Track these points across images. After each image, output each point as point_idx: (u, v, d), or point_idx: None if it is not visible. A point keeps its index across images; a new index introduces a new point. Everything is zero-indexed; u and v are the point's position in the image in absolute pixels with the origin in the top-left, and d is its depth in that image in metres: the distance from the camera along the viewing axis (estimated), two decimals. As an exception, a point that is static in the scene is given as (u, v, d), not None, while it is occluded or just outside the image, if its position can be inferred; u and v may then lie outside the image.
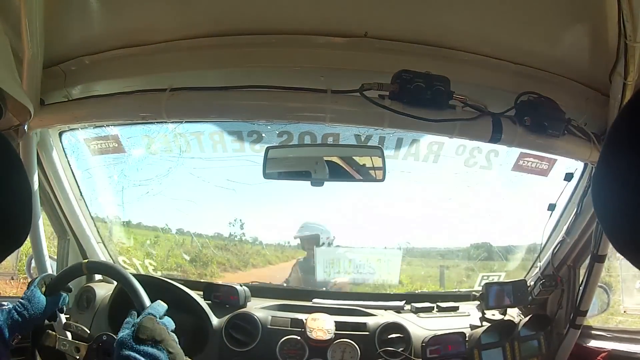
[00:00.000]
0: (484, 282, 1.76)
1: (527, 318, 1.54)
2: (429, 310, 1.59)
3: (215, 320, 1.44)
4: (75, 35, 1.20)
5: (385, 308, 1.59)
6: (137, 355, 0.82)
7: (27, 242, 1.10)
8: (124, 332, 0.88)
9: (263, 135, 1.67)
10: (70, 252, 1.60)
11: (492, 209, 2.05)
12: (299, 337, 1.39)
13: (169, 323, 0.93)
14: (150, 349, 0.84)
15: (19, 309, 0.97)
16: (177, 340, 0.91)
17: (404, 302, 1.64)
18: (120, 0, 1.09)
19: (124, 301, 1.10)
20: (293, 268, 2.31)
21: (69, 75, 1.27)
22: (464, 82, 1.13)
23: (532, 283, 1.59)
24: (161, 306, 0.96)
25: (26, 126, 1.05)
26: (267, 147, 1.29)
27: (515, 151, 1.57)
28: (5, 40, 0.75)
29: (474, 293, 1.75)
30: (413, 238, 2.51)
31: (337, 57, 1.16)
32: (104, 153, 1.63)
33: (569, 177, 1.44)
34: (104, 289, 1.55)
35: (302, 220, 2.36)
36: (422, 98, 1.07)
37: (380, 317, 1.49)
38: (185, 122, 1.54)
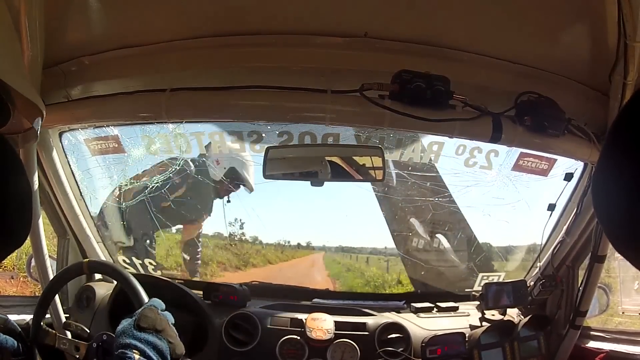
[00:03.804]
0: (483, 282, 1.76)
1: (527, 318, 1.54)
2: (428, 310, 1.59)
3: (215, 320, 1.44)
4: (75, 36, 1.20)
5: (385, 308, 1.59)
6: (138, 343, 0.82)
7: (27, 242, 1.10)
8: (125, 323, 0.88)
9: (263, 135, 1.67)
10: (70, 251, 1.60)
11: (492, 209, 2.05)
12: (298, 337, 1.39)
13: (169, 317, 0.94)
14: (151, 337, 0.85)
15: None
16: (176, 333, 0.91)
17: (403, 302, 1.64)
18: (120, 1, 1.09)
19: (124, 301, 1.10)
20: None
21: (69, 75, 1.27)
22: (464, 82, 1.13)
23: (532, 283, 1.59)
24: (160, 303, 0.96)
25: (39, 127, 0.98)
26: (267, 147, 1.29)
27: (515, 151, 1.57)
28: (13, 35, 0.74)
29: (473, 293, 1.75)
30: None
31: (337, 57, 1.16)
32: (104, 153, 1.63)
33: (569, 177, 1.43)
34: (103, 289, 1.55)
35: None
36: (422, 98, 1.07)
37: (380, 317, 1.49)
38: (186, 122, 1.54)
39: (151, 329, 0.86)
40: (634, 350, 1.44)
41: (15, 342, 0.93)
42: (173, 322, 0.93)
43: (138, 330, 0.85)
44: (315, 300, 1.62)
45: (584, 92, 1.26)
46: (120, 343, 0.83)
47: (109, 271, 1.15)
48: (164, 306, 0.95)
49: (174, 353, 0.88)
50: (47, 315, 1.29)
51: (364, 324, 1.44)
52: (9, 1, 0.98)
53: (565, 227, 1.51)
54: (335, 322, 1.41)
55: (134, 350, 0.81)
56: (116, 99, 1.19)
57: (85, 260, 1.16)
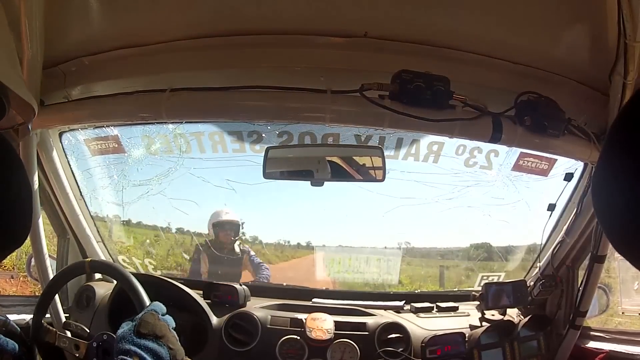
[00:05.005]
0: (483, 282, 1.76)
1: (527, 318, 1.54)
2: (428, 310, 1.59)
3: (214, 320, 1.44)
4: (75, 36, 1.20)
5: (385, 308, 1.59)
6: (138, 349, 0.82)
7: (27, 241, 1.10)
8: (125, 327, 0.88)
9: (263, 135, 1.68)
10: (70, 251, 1.60)
11: (492, 209, 2.06)
12: (298, 337, 1.39)
13: (170, 321, 0.94)
14: (150, 344, 0.84)
15: None
16: (177, 337, 0.91)
17: (403, 302, 1.63)
18: (120, 0, 1.09)
19: (124, 300, 1.10)
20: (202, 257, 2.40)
21: (69, 75, 1.27)
22: (464, 82, 1.13)
23: (532, 283, 1.59)
24: (161, 307, 0.96)
25: (30, 125, 1.03)
26: (267, 147, 1.29)
27: (515, 151, 1.57)
28: (9, 36, 0.75)
29: (473, 293, 1.75)
30: (413, 238, 2.51)
31: (337, 57, 1.16)
32: (104, 153, 1.64)
33: (569, 177, 1.43)
34: (103, 288, 1.55)
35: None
36: (422, 98, 1.06)
37: (379, 317, 1.49)
38: (185, 122, 1.54)
39: (151, 335, 0.86)
40: (634, 350, 1.44)
41: (16, 345, 0.93)
42: (174, 326, 0.93)
43: (138, 336, 0.85)
44: (315, 300, 1.62)
45: (584, 92, 1.26)
46: (119, 349, 0.83)
47: (111, 271, 1.15)
48: (165, 310, 0.95)
49: (174, 359, 0.87)
50: (47, 315, 1.29)
51: (364, 324, 1.44)
52: (9, 1, 0.98)
53: (565, 227, 1.51)
54: (335, 322, 1.41)
55: (133, 357, 0.81)
56: (116, 99, 1.19)
57: (87, 259, 1.16)
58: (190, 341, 1.39)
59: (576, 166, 1.45)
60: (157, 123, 1.50)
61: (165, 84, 1.15)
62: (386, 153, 1.31)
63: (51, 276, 1.34)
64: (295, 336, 1.39)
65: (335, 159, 1.29)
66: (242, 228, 2.50)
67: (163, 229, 2.70)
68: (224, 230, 2.42)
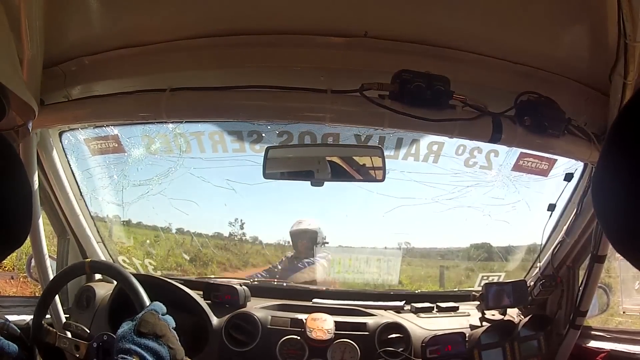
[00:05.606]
0: (483, 282, 1.76)
1: (527, 318, 1.54)
2: (428, 310, 1.59)
3: (215, 320, 1.44)
4: (75, 36, 1.20)
5: (385, 308, 1.59)
6: (138, 349, 0.82)
7: (27, 242, 1.10)
8: (126, 327, 0.88)
9: (263, 135, 1.68)
10: (70, 251, 1.60)
11: (492, 209, 2.05)
12: (298, 337, 1.39)
13: (170, 321, 0.94)
14: (151, 343, 0.84)
15: None
16: (177, 337, 0.91)
17: (404, 302, 1.63)
18: (120, 0, 1.09)
19: (124, 301, 1.10)
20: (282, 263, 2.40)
21: (69, 75, 1.27)
22: (464, 82, 1.13)
23: (532, 283, 1.59)
24: (161, 307, 0.96)
25: (30, 126, 1.03)
26: (267, 147, 1.29)
27: (515, 151, 1.57)
28: (9, 36, 0.75)
29: (473, 293, 1.75)
30: (413, 238, 2.51)
31: (337, 57, 1.16)
32: (104, 153, 1.64)
33: (569, 177, 1.44)
34: (103, 289, 1.55)
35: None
36: (422, 98, 1.06)
37: (380, 317, 1.49)
38: (185, 122, 1.54)
39: (151, 334, 0.86)
40: (635, 349, 1.44)
41: (17, 347, 0.93)
42: (174, 326, 0.93)
43: (138, 335, 0.85)
44: (315, 300, 1.62)
45: (584, 92, 1.26)
46: (120, 348, 0.83)
47: (111, 272, 1.15)
48: (165, 310, 0.95)
49: (174, 359, 0.87)
50: (47, 316, 1.29)
51: (364, 324, 1.44)
52: (9, 1, 0.98)
53: (565, 227, 1.51)
54: (336, 322, 1.41)
55: (133, 356, 0.81)
56: (116, 99, 1.19)
57: (87, 260, 1.16)
58: (190, 341, 1.39)
59: (576, 166, 1.45)
60: (157, 123, 1.50)
61: (166, 84, 1.15)
62: (386, 153, 1.32)
63: (51, 277, 1.34)
64: (295, 336, 1.39)
65: (335, 159, 1.29)
66: (319, 240, 2.45)
67: (163, 229, 2.70)
68: (301, 240, 2.44)
